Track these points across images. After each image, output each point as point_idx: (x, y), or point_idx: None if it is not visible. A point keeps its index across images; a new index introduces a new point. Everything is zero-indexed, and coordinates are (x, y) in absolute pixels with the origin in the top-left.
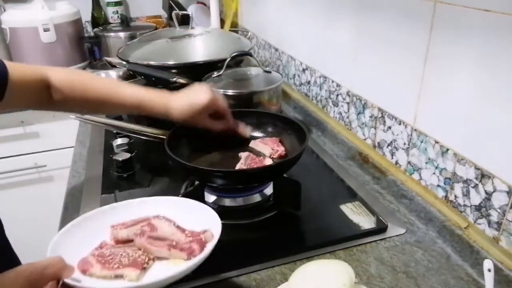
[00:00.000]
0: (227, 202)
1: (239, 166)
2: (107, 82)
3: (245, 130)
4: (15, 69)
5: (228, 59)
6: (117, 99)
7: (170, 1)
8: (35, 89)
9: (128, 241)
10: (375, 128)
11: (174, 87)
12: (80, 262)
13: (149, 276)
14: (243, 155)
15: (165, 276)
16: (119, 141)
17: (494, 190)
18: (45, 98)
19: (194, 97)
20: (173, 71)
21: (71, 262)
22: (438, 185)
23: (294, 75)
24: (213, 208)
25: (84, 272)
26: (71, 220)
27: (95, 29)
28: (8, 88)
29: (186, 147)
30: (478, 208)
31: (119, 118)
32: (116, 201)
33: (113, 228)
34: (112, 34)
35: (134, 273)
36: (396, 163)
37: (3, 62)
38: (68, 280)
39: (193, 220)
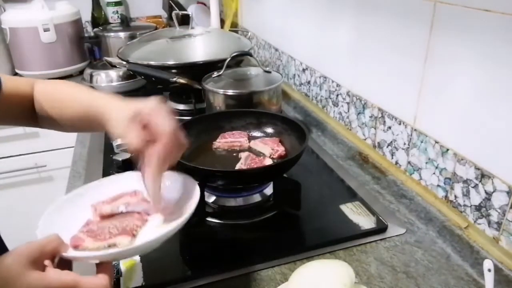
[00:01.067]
0: (227, 202)
1: (239, 166)
2: (77, 90)
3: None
4: (8, 81)
5: (228, 59)
6: (72, 106)
7: (170, 1)
8: (26, 103)
9: (112, 216)
10: (375, 128)
11: (174, 87)
12: (71, 239)
13: (139, 241)
14: (243, 155)
15: (155, 236)
16: (119, 141)
17: (494, 190)
18: (33, 113)
19: (130, 102)
20: (173, 71)
21: None
22: (438, 185)
23: (294, 75)
24: (213, 208)
25: (76, 247)
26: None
27: (95, 29)
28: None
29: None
30: (478, 208)
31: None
32: None
33: (94, 206)
34: (112, 34)
35: (126, 239)
36: (396, 163)
37: None
38: (65, 254)
39: (173, 191)
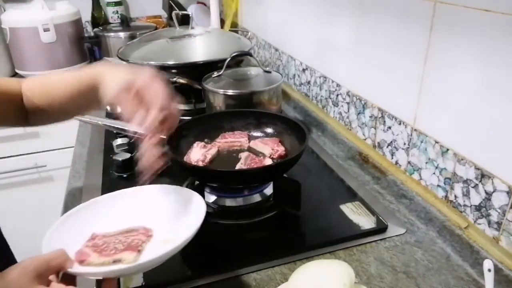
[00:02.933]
0: (227, 202)
1: (239, 166)
2: (69, 73)
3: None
4: None
5: (228, 59)
6: (73, 86)
7: (170, 1)
8: (15, 102)
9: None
10: (375, 128)
11: (174, 87)
12: (76, 254)
13: (145, 257)
14: (243, 155)
15: (160, 253)
16: (119, 141)
17: (494, 190)
18: (23, 111)
19: (124, 70)
20: (173, 71)
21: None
22: (438, 185)
23: (294, 75)
24: (213, 208)
25: (82, 262)
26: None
27: (95, 29)
28: None
29: (186, 146)
30: (478, 208)
31: (119, 118)
32: None
33: (93, 236)
34: (112, 34)
35: (131, 255)
36: (396, 163)
37: None
38: (71, 270)
39: (178, 206)
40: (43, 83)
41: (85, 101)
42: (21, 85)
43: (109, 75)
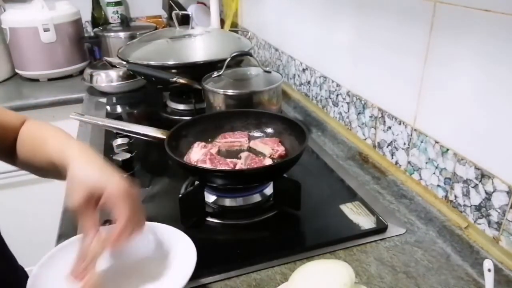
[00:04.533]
0: (227, 202)
1: (239, 166)
2: (59, 138)
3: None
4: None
5: (228, 59)
6: (40, 155)
7: (170, 1)
8: (9, 139)
9: None
10: (375, 128)
11: (174, 87)
12: None
13: None
14: (243, 155)
15: None
16: (119, 141)
17: (494, 190)
18: (13, 149)
19: (97, 167)
20: (173, 71)
21: None
22: (438, 185)
23: (294, 75)
24: (213, 208)
25: None
26: (70, 221)
27: (95, 29)
28: None
29: (186, 146)
30: (478, 208)
31: (119, 118)
32: None
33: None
34: (112, 34)
35: None
36: (396, 163)
37: None
38: None
39: (167, 249)
40: (35, 134)
41: (61, 177)
42: (22, 124)
43: (77, 171)
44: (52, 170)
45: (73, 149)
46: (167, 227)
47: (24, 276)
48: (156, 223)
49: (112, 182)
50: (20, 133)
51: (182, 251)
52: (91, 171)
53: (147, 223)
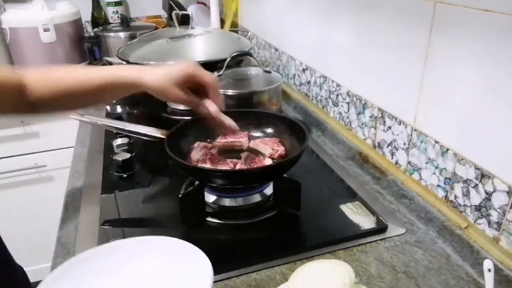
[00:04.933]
0: (227, 202)
1: (239, 166)
2: (80, 71)
3: (230, 122)
4: None
5: (228, 59)
6: (90, 84)
7: (170, 1)
8: (9, 94)
9: None
10: (375, 128)
11: None
12: None
13: None
14: (243, 155)
15: None
16: (119, 141)
17: (494, 190)
18: (22, 101)
19: (172, 66)
20: None
21: None
22: (438, 185)
23: (294, 75)
24: (213, 208)
25: None
26: (71, 220)
27: (95, 29)
28: None
29: (186, 147)
30: (478, 208)
31: (119, 118)
32: (116, 201)
33: None
34: (112, 34)
35: None
36: (396, 163)
37: None
38: None
39: (181, 267)
40: (48, 79)
41: (104, 96)
42: (22, 76)
43: (150, 71)
44: (100, 94)
45: (116, 68)
46: (182, 243)
47: (23, 276)
48: (168, 238)
49: (181, 65)
50: (34, 82)
51: (197, 269)
52: (156, 69)
53: (159, 238)
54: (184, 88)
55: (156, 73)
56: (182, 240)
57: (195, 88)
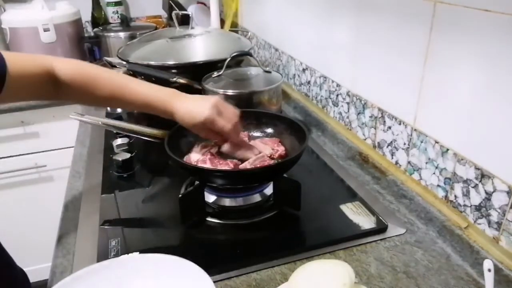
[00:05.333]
0: (227, 202)
1: (244, 165)
2: (118, 79)
3: (247, 153)
4: (15, 61)
5: (228, 59)
6: (127, 98)
7: (170, 1)
8: (38, 82)
9: None
10: (375, 128)
11: (174, 87)
12: None
13: None
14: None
15: None
16: (119, 141)
17: (494, 190)
18: (51, 90)
19: (196, 109)
20: (173, 71)
21: None
22: (438, 185)
23: (294, 75)
24: (213, 208)
25: None
26: (71, 220)
27: (95, 29)
28: (7, 82)
29: (186, 147)
30: (478, 208)
31: (119, 118)
32: (116, 201)
33: None
34: (112, 34)
35: None
36: (396, 163)
37: (2, 55)
38: None
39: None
40: (84, 77)
41: (151, 112)
42: (51, 66)
43: (180, 108)
44: (140, 109)
45: (167, 92)
46: (185, 262)
47: (22, 276)
48: (170, 257)
49: (224, 112)
50: (62, 74)
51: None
52: (193, 103)
53: (161, 257)
54: (206, 129)
55: (183, 113)
56: (184, 260)
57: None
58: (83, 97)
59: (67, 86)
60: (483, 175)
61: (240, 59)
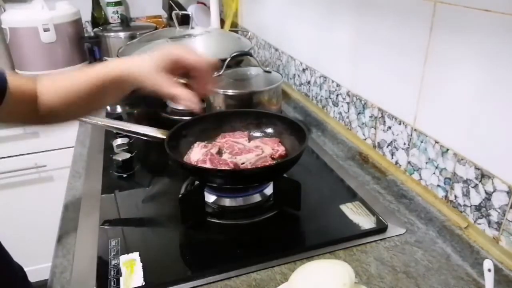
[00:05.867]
0: (227, 202)
1: (245, 165)
2: (76, 73)
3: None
4: (15, 79)
5: (228, 59)
6: (88, 84)
7: (170, 1)
8: (29, 101)
9: None
10: (375, 128)
11: None
12: None
13: None
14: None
15: None
16: (119, 141)
17: (494, 190)
18: (35, 111)
19: (158, 52)
20: None
21: None
22: (438, 185)
23: (294, 75)
24: (213, 208)
25: None
26: (71, 220)
27: (95, 29)
28: (6, 97)
29: (187, 146)
30: (478, 208)
31: (119, 118)
32: (116, 201)
33: None
34: (112, 34)
35: None
36: (396, 163)
37: (4, 71)
38: None
39: None
40: (57, 81)
41: (105, 99)
42: (35, 84)
43: (137, 67)
44: (94, 95)
45: (110, 63)
46: None
47: (23, 276)
48: None
49: (166, 49)
50: (42, 87)
51: None
52: (140, 58)
53: None
54: (173, 73)
55: (142, 60)
56: None
57: (186, 72)
58: (61, 106)
59: (46, 100)
60: (483, 175)
61: (240, 59)
